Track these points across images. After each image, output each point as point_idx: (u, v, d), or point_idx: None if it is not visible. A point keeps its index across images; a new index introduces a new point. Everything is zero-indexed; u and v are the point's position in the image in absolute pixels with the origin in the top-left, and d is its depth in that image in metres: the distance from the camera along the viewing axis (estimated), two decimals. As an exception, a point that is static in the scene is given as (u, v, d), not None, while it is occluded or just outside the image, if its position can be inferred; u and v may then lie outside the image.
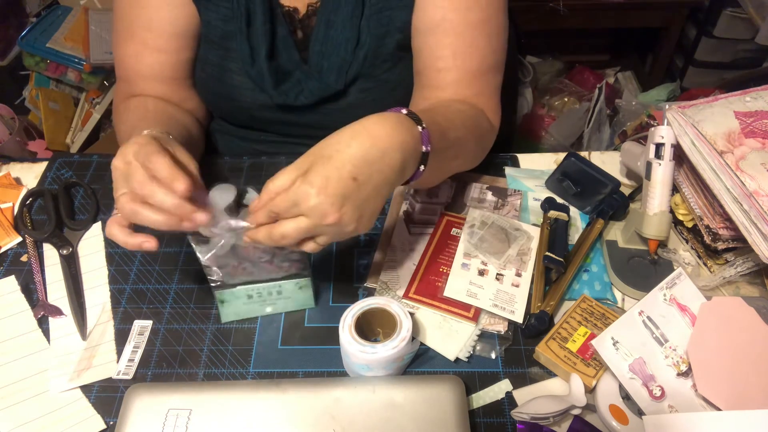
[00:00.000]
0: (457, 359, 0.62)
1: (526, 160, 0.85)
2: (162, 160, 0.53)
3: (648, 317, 0.60)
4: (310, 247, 0.54)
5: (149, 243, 0.55)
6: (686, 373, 0.58)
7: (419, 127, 0.56)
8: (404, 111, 0.57)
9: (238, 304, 0.64)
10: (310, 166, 0.51)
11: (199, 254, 0.57)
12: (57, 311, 0.66)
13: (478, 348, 0.63)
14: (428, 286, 0.67)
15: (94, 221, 0.76)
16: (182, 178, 0.52)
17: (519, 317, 0.63)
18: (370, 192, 0.52)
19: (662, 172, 0.68)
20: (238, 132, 0.89)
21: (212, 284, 0.61)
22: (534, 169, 0.83)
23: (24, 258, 0.72)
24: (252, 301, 0.64)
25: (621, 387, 0.57)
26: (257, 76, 0.75)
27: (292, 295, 0.65)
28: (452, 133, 0.64)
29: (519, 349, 0.63)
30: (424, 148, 0.57)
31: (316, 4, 0.74)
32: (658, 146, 0.68)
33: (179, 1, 0.73)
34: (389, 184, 0.54)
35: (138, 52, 0.76)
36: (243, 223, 0.54)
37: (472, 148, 0.71)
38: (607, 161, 0.85)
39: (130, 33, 0.75)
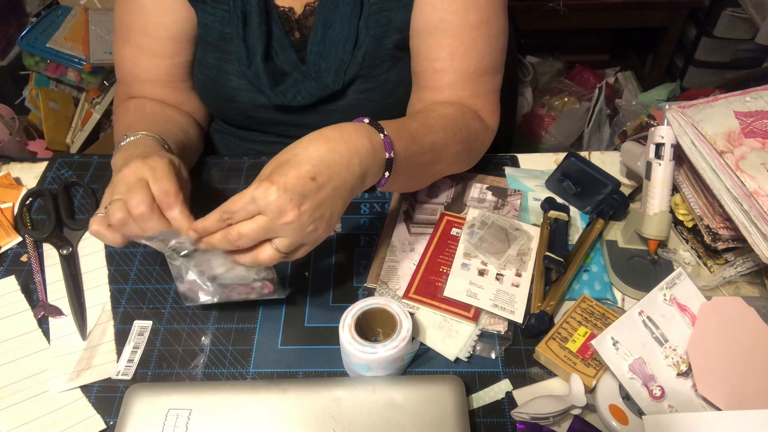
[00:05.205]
0: (457, 359, 0.62)
1: (526, 160, 0.85)
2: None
3: (648, 317, 0.60)
4: (268, 252, 0.54)
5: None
6: (686, 373, 0.58)
7: (381, 135, 0.57)
8: (366, 120, 0.58)
9: None
10: (270, 173, 0.52)
11: (178, 283, 0.59)
12: (57, 311, 0.66)
13: (478, 348, 0.63)
14: (428, 286, 0.67)
15: (94, 221, 0.76)
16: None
17: (519, 317, 0.63)
18: (330, 193, 0.53)
19: (662, 172, 0.68)
20: (238, 132, 0.89)
21: (187, 303, 0.61)
22: (534, 169, 0.83)
23: (24, 258, 0.72)
24: None
25: (621, 387, 0.57)
26: (254, 78, 0.75)
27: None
28: (428, 137, 0.64)
29: (519, 349, 0.63)
30: (387, 155, 0.57)
31: (314, 4, 0.74)
32: (658, 146, 0.68)
33: (175, 5, 0.73)
34: (348, 188, 0.54)
35: (135, 57, 0.76)
36: (184, 237, 0.55)
37: (455, 152, 0.70)
38: (607, 161, 0.85)
39: (127, 37, 0.76)
